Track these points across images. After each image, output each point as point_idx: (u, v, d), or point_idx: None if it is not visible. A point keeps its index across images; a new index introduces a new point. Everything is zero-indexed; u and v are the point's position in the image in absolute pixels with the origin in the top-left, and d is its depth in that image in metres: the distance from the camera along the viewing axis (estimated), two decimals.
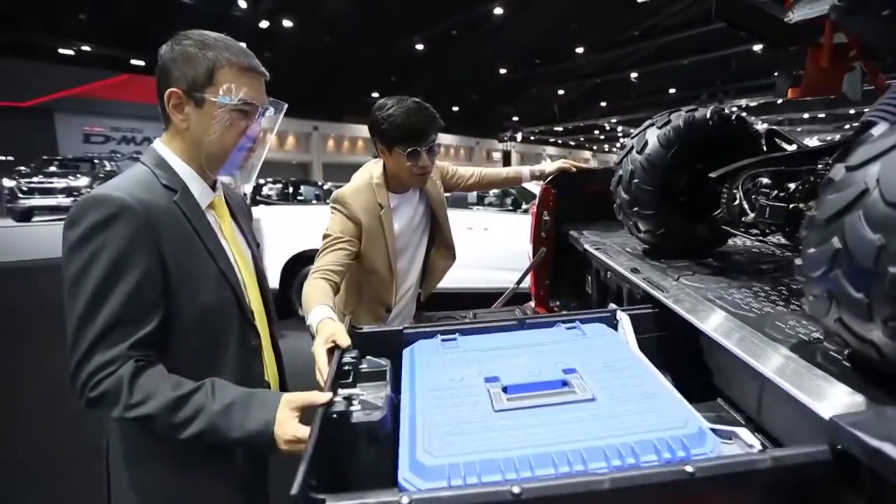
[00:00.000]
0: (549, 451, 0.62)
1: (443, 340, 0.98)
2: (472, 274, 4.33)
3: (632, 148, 1.27)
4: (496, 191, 5.73)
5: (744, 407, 0.87)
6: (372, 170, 1.53)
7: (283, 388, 1.07)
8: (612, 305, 1.28)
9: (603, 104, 26.15)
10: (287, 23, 15.43)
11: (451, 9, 15.75)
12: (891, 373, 0.67)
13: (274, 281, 4.41)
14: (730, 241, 1.46)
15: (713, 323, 0.92)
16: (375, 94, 23.33)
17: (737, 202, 1.04)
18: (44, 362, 4.01)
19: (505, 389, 0.77)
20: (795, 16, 0.90)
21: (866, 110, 1.07)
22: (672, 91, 23.09)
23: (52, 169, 10.84)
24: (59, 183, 10.34)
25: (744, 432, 0.70)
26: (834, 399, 0.66)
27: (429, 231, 1.67)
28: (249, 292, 0.97)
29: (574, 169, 1.79)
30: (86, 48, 15.52)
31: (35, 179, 10.29)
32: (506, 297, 1.79)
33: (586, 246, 1.53)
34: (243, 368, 0.93)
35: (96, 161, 11.82)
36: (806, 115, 24.09)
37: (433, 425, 0.69)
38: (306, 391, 0.81)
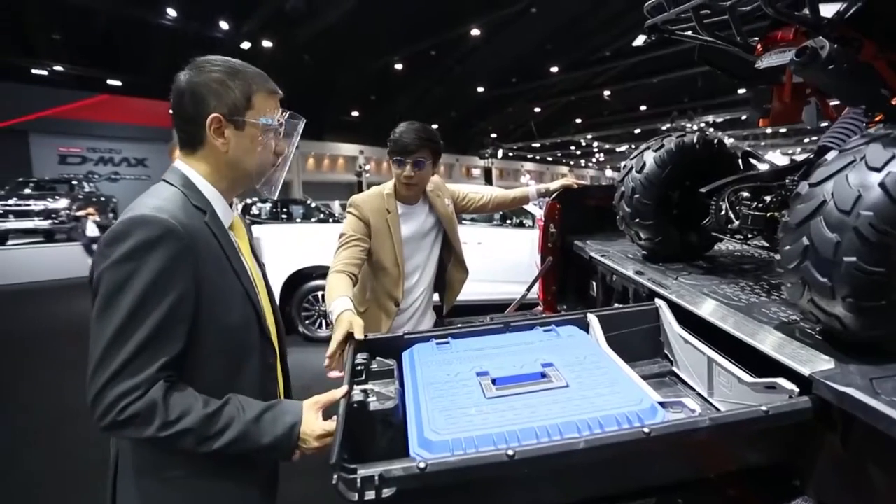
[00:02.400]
0: (532, 427, 0.79)
1: (437, 343, 1.16)
2: (470, 287, 4.48)
3: (631, 168, 1.49)
4: None
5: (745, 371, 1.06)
6: (387, 183, 1.78)
7: (288, 398, 1.09)
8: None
9: (578, 121, 27.06)
10: (267, 43, 15.58)
11: (430, 30, 16.22)
12: (851, 340, 0.88)
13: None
14: (715, 247, 1.68)
15: (711, 311, 1.12)
16: (355, 113, 23.63)
17: (723, 212, 1.26)
18: (25, 386, 3.98)
19: (494, 381, 0.95)
20: (764, 63, 1.12)
21: (823, 124, 1.31)
22: (643, 108, 24.10)
23: (28, 191, 10.55)
24: (36, 205, 10.07)
25: (689, 401, 0.88)
26: (811, 362, 0.86)
27: (441, 243, 1.85)
28: (264, 310, 0.98)
29: (576, 185, 2.01)
30: (59, 68, 15.31)
31: (10, 202, 9.99)
32: (517, 303, 1.97)
33: (592, 254, 1.73)
34: (262, 385, 0.95)
35: (74, 182, 11.58)
36: (769, 130, 25.47)
37: (436, 411, 0.86)
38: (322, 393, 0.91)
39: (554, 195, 1.99)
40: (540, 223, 2.07)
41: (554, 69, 19.77)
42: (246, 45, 15.37)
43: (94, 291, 0.81)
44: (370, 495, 0.69)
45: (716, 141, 1.46)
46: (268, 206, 8.85)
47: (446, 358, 1.09)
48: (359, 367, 1.01)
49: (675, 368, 1.25)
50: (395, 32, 16.15)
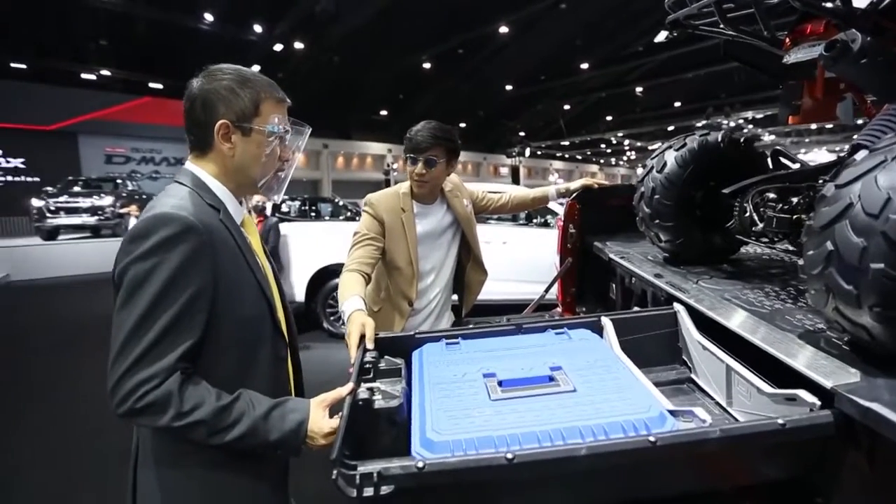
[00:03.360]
0: (534, 431, 0.78)
1: (447, 344, 1.16)
2: (494, 287, 4.45)
3: (652, 168, 1.45)
4: None
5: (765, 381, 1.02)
6: (405, 182, 1.79)
7: (300, 393, 1.12)
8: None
9: (608, 118, 26.46)
10: (299, 45, 15.94)
11: (458, 28, 16.20)
12: (881, 352, 0.83)
13: (300, 294, 4.60)
14: (742, 250, 1.61)
15: (731, 318, 1.07)
16: (384, 112, 23.90)
17: (748, 214, 1.20)
18: (73, 372, 4.23)
19: (500, 383, 0.94)
20: (792, 58, 1.07)
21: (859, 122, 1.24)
22: (678, 104, 23.34)
23: (77, 189, 11.17)
24: (84, 202, 10.67)
25: (700, 411, 0.85)
26: (834, 374, 0.82)
27: (458, 244, 1.85)
28: (276, 304, 1.01)
29: (596, 185, 1.97)
30: (106, 73, 16.16)
31: (61, 199, 10.60)
32: (535, 304, 1.94)
33: (611, 255, 1.69)
34: (273, 376, 0.98)
35: (119, 181, 12.20)
36: (813, 126, 24.20)
37: (440, 411, 0.85)
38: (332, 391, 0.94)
39: (574, 195, 1.95)
40: (559, 223, 2.03)
41: (584, 66, 19.39)
42: (278, 47, 15.77)
43: (116, 285, 0.85)
44: (369, 492, 0.70)
45: (742, 140, 1.40)
46: (297, 203, 9.07)
47: (455, 358, 1.09)
48: (367, 366, 1.02)
49: (693, 376, 1.21)
50: (423, 32, 16.23)
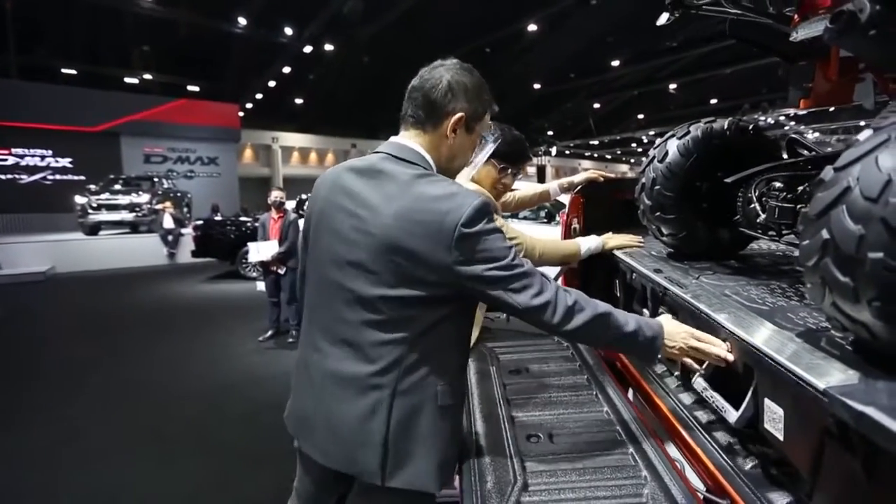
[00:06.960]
0: None
1: None
2: None
3: (654, 158, 1.37)
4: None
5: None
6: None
7: None
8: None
9: (640, 116, 25.76)
10: (328, 46, 16.21)
11: (486, 27, 16.11)
12: (886, 353, 0.75)
13: None
14: (755, 245, 1.51)
15: (724, 314, 1.00)
16: None
17: (752, 205, 1.12)
18: (119, 352, 4.43)
19: None
20: (799, 34, 0.98)
21: None
22: (714, 101, 22.49)
23: (117, 187, 11.68)
24: (123, 199, 11.15)
25: None
26: (830, 374, 0.74)
27: None
28: None
29: (602, 179, 1.89)
30: (147, 76, 16.92)
31: (103, 196, 11.11)
32: None
33: (613, 250, 1.62)
34: None
35: (156, 179, 12.69)
36: (862, 124, 22.76)
37: None
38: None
39: (578, 189, 1.89)
40: (562, 218, 1.97)
41: (615, 63, 18.93)
42: (308, 49, 16.09)
43: (466, 258, 0.93)
44: None
45: (751, 127, 1.31)
46: None
47: None
48: None
49: None
50: (451, 31, 16.21)
